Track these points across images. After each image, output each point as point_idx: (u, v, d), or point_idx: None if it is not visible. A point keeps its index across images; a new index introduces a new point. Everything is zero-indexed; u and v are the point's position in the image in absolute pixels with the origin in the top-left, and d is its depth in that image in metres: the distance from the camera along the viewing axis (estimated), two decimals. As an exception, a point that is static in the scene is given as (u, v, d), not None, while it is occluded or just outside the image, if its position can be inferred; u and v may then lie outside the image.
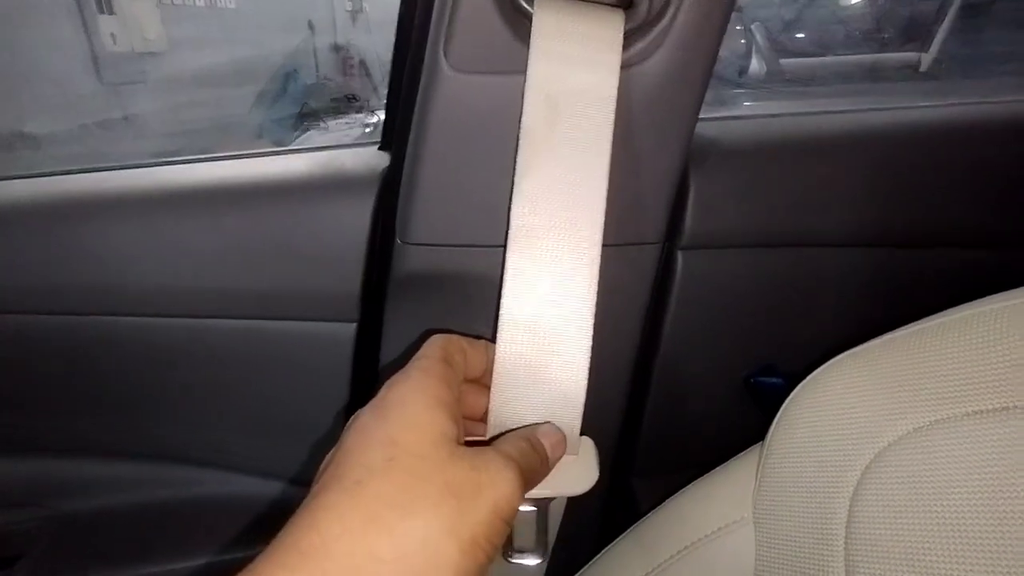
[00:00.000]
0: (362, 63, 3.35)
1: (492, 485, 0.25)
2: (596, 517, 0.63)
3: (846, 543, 0.31)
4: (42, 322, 0.53)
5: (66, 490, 0.60)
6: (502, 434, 0.32)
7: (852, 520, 0.31)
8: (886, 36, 1.95)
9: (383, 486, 0.24)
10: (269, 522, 0.62)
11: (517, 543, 0.37)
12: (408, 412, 0.26)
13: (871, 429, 0.31)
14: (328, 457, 0.26)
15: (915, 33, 1.80)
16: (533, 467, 0.29)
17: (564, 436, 0.33)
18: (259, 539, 0.61)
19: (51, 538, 0.59)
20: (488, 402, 0.33)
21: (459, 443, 0.26)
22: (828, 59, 1.89)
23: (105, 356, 0.56)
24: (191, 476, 0.62)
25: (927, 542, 0.28)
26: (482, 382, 0.33)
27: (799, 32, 2.00)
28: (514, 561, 0.38)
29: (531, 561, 0.38)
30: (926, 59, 1.76)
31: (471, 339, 0.33)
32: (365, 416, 0.26)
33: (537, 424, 0.33)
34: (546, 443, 0.31)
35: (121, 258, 0.52)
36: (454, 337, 0.32)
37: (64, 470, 0.59)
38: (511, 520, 0.26)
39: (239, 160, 0.58)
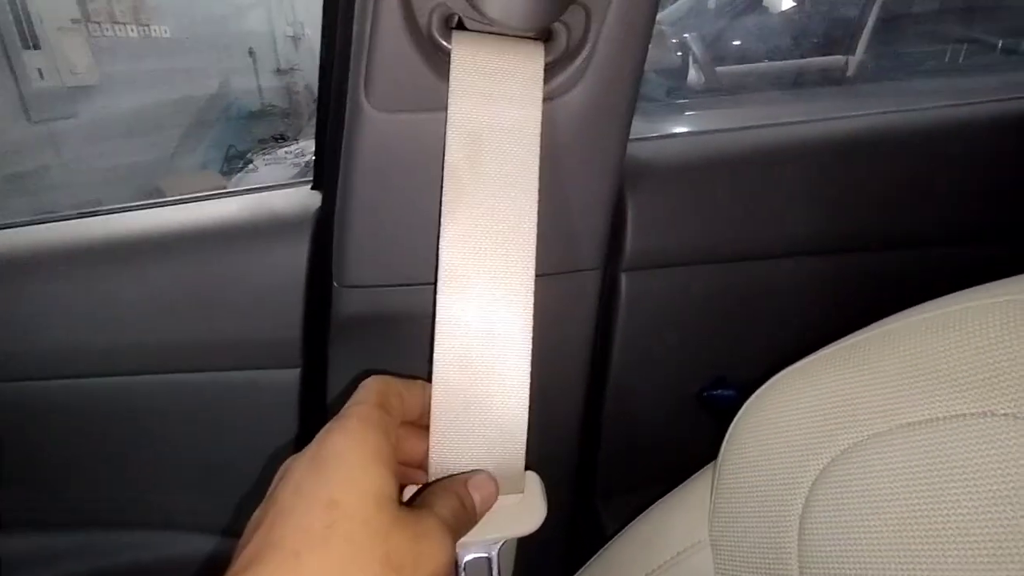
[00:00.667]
0: (307, 88, 3.31)
1: (431, 556, 0.25)
2: (562, 540, 0.63)
3: (799, 559, 0.31)
4: None
5: (9, 565, 0.56)
6: (438, 481, 0.31)
7: (803, 537, 0.31)
8: (815, 41, 2.03)
9: (323, 559, 0.22)
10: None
11: None
12: (346, 468, 0.25)
13: (814, 445, 0.31)
14: (259, 514, 0.25)
15: (841, 38, 1.89)
16: (463, 524, 0.29)
17: (496, 487, 0.32)
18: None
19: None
20: (426, 446, 0.32)
21: (399, 501, 0.25)
22: (762, 65, 1.96)
23: (32, 422, 0.53)
24: (138, 540, 0.59)
25: (872, 556, 0.28)
26: (419, 423, 0.32)
27: (734, 40, 2.07)
28: None
29: None
30: (852, 62, 1.84)
31: (407, 380, 0.32)
32: (301, 471, 0.25)
33: (471, 473, 0.32)
34: (477, 497, 0.31)
35: (42, 317, 0.49)
36: (390, 379, 0.30)
37: (17, 545, 0.56)
38: None
39: (167, 207, 0.55)
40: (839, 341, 0.34)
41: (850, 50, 1.82)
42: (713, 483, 0.38)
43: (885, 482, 0.28)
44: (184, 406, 0.53)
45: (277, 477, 0.26)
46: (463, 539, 0.33)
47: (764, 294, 0.58)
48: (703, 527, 0.38)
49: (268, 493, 0.25)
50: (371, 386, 0.29)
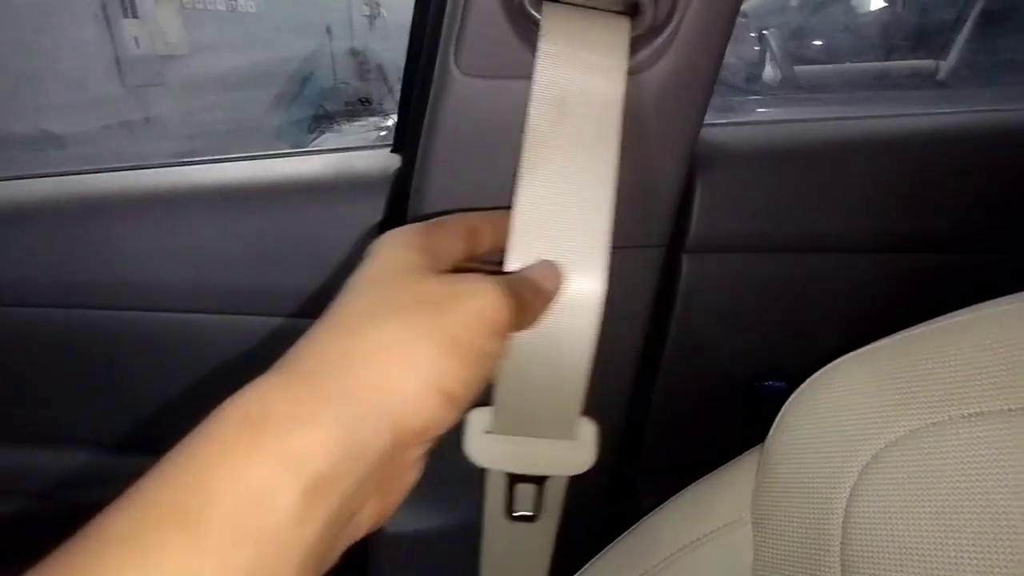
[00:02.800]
0: (379, 67, 3.39)
1: (472, 293, 0.24)
2: (600, 517, 0.64)
3: (842, 544, 0.31)
4: (60, 316, 0.55)
5: (74, 481, 0.61)
6: None
7: (848, 522, 0.31)
8: (902, 43, 1.93)
9: (355, 308, 0.24)
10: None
11: (518, 508, 0.40)
12: (380, 255, 0.26)
13: (868, 431, 0.32)
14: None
15: (931, 41, 1.79)
16: (523, 292, 0.28)
17: (557, 270, 0.32)
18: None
19: (66, 528, 0.61)
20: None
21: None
22: (844, 66, 1.88)
23: (119, 351, 0.57)
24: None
25: (921, 544, 0.28)
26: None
27: (815, 39, 1.99)
28: (517, 521, 0.40)
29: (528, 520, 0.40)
30: (944, 67, 1.75)
31: (476, 216, 0.33)
32: (351, 276, 0.26)
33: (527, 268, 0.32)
34: (536, 273, 0.30)
35: (139, 255, 0.53)
36: (461, 214, 0.32)
37: (73, 461, 0.61)
38: (499, 329, 0.25)
39: (254, 161, 0.59)
40: (901, 332, 0.33)
41: (942, 53, 1.73)
42: (759, 464, 0.38)
43: (940, 472, 0.28)
44: (256, 347, 0.57)
45: None
46: (511, 468, 0.36)
47: (825, 288, 0.57)
48: (745, 506, 0.38)
49: None
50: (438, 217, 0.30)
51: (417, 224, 0.29)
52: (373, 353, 0.22)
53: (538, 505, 0.39)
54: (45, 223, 0.53)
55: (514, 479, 0.41)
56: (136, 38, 2.65)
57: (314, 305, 0.54)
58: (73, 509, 0.63)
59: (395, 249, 0.26)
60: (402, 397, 0.22)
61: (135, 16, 2.62)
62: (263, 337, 0.56)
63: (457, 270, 0.28)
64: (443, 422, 0.23)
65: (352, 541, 0.23)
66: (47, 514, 0.61)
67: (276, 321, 0.55)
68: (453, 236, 0.30)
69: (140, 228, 0.53)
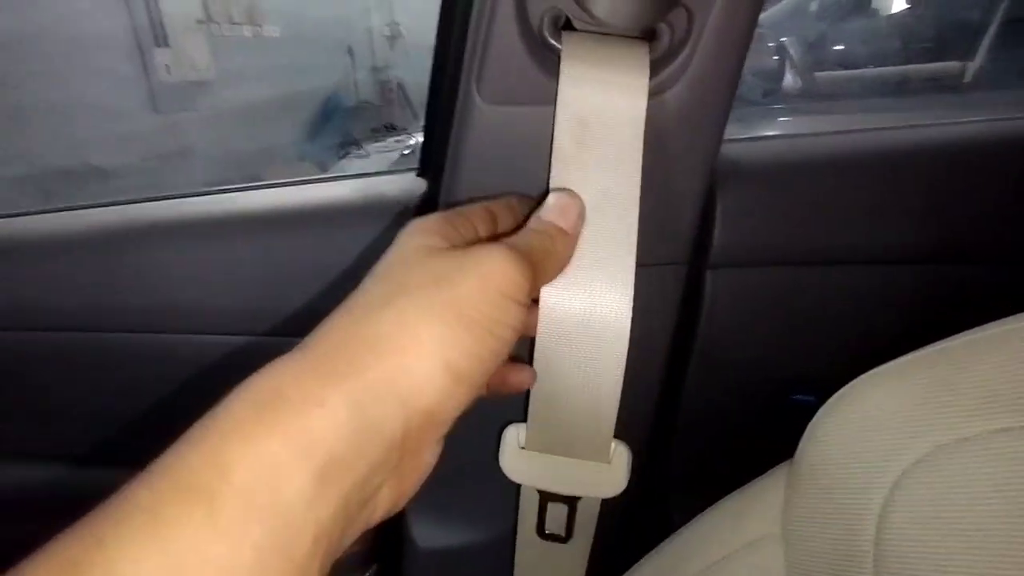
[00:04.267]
0: (400, 86, 3.45)
1: (477, 263, 0.24)
2: (630, 534, 0.64)
3: (875, 560, 0.31)
4: (101, 340, 0.57)
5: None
6: None
7: (880, 537, 0.31)
8: (926, 46, 1.91)
9: (372, 291, 0.25)
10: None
11: (549, 528, 0.40)
12: (400, 241, 0.27)
13: (899, 445, 0.32)
14: None
15: (957, 43, 1.76)
16: (535, 245, 0.28)
17: (572, 198, 0.32)
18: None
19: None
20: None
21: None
22: (865, 71, 1.86)
23: (160, 372, 0.59)
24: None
25: (954, 559, 0.28)
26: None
27: (835, 45, 1.97)
28: (548, 539, 0.40)
29: (560, 540, 0.40)
30: (971, 69, 1.72)
31: (496, 204, 0.33)
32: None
33: (541, 208, 0.32)
34: (552, 217, 0.30)
35: (175, 280, 0.55)
36: (485, 202, 0.33)
37: (122, 481, 0.63)
38: (508, 293, 0.25)
39: (284, 188, 0.61)
40: (929, 346, 0.33)
41: (968, 55, 1.70)
42: (789, 478, 0.38)
43: (973, 486, 0.28)
44: None
45: None
46: (545, 487, 0.36)
47: (850, 301, 0.57)
48: (775, 521, 0.38)
49: None
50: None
51: (440, 213, 0.29)
52: (384, 335, 0.22)
53: (569, 526, 0.40)
54: (86, 251, 0.56)
55: (545, 498, 0.41)
56: (168, 65, 2.74)
57: None
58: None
59: (414, 235, 0.27)
60: (412, 377, 0.22)
61: (166, 45, 2.72)
62: None
63: None
64: (455, 400, 0.23)
65: (368, 525, 0.24)
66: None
67: None
68: (473, 219, 0.30)
69: (176, 254, 0.55)
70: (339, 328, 0.23)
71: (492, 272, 0.24)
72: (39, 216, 0.59)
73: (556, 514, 0.42)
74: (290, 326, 0.56)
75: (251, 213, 0.57)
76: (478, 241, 0.29)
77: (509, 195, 0.35)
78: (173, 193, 0.62)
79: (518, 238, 0.28)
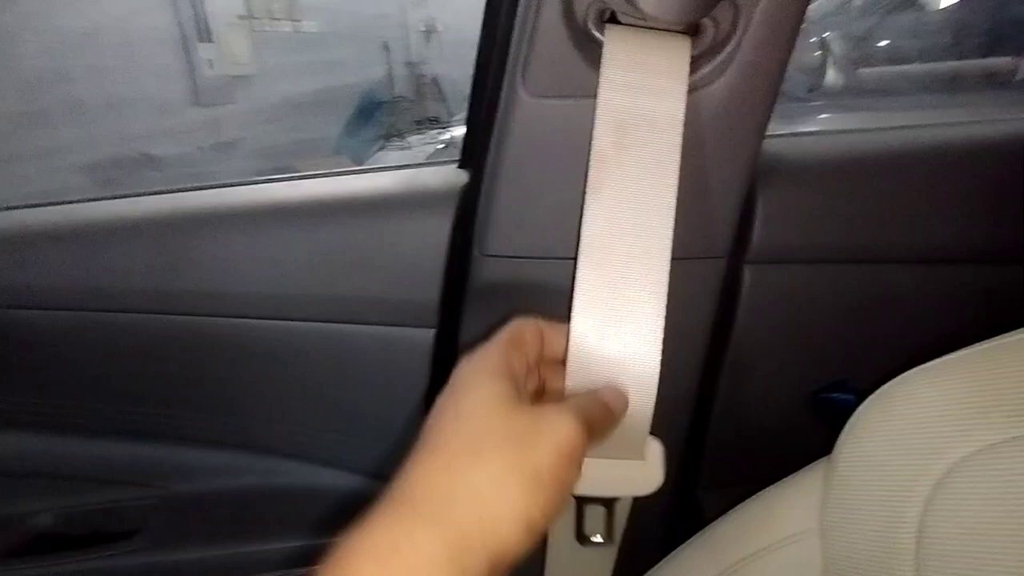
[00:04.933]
0: (434, 81, 3.48)
1: (551, 429, 0.28)
2: (661, 527, 0.64)
3: (916, 556, 0.31)
4: (157, 321, 0.60)
5: (175, 474, 0.66)
6: None
7: (923, 533, 0.31)
8: (978, 42, 1.84)
9: (454, 442, 0.28)
10: (346, 512, 0.66)
11: (588, 530, 0.41)
12: (470, 383, 0.30)
13: (943, 444, 0.31)
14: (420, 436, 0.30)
15: (1009, 39, 1.70)
16: (595, 416, 0.31)
17: (626, 396, 0.35)
18: (337, 526, 0.66)
19: (162, 515, 0.66)
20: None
21: (521, 401, 0.29)
22: (912, 67, 1.80)
23: (209, 354, 0.62)
24: (280, 467, 0.67)
25: (998, 557, 0.28)
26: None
27: (881, 40, 1.92)
28: (588, 545, 0.41)
29: (601, 545, 0.40)
30: (1024, 65, 1.65)
31: (552, 322, 0.36)
32: (442, 398, 0.30)
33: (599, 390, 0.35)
34: (608, 396, 0.34)
35: (223, 265, 0.57)
36: (529, 320, 0.35)
37: (174, 456, 0.66)
38: (575, 459, 0.28)
39: (329, 178, 0.63)
40: (974, 345, 0.33)
41: (1021, 51, 1.63)
42: (827, 474, 0.38)
43: (1021, 486, 0.28)
44: (330, 352, 0.60)
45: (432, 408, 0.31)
46: (582, 491, 0.37)
47: (890, 300, 0.56)
48: (813, 516, 0.38)
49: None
50: (511, 324, 0.34)
51: (494, 346, 0.32)
52: (474, 491, 0.26)
53: (608, 529, 0.40)
54: (144, 237, 0.59)
55: (581, 501, 0.41)
56: (210, 60, 2.82)
57: (388, 313, 0.57)
58: (169, 499, 0.68)
59: (482, 381, 0.30)
60: (499, 532, 0.26)
61: (209, 40, 2.79)
62: (340, 343, 0.59)
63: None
64: (526, 547, 0.27)
65: None
66: (146, 503, 0.67)
67: (351, 328, 0.59)
68: (526, 348, 0.34)
69: (226, 241, 0.58)
70: (436, 475, 0.27)
71: (565, 440, 0.28)
72: (99, 202, 0.62)
73: (593, 517, 0.42)
74: (334, 312, 0.58)
75: (297, 202, 0.59)
76: (534, 367, 0.34)
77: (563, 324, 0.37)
78: (222, 182, 0.64)
79: (581, 407, 0.31)
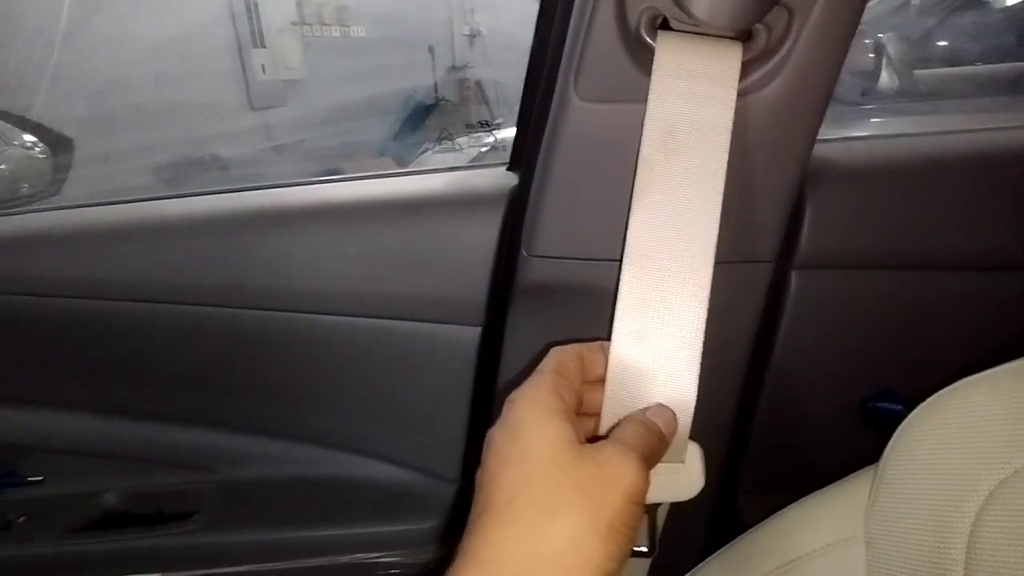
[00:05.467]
0: (478, 84, 3.52)
1: (618, 477, 0.29)
2: (701, 532, 0.64)
3: (966, 568, 0.31)
4: (218, 315, 0.63)
5: (231, 460, 0.70)
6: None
7: (973, 545, 0.31)
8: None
9: (530, 499, 0.28)
10: (390, 502, 0.68)
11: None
12: (530, 426, 0.31)
13: (997, 454, 0.31)
14: (478, 478, 0.31)
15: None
16: (651, 447, 0.32)
17: (674, 414, 0.35)
18: (383, 517, 0.68)
19: (219, 499, 0.69)
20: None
21: (580, 442, 0.30)
22: (969, 68, 1.73)
23: (265, 347, 0.65)
24: (329, 457, 0.70)
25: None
26: (604, 379, 0.36)
27: (940, 40, 1.85)
28: (631, 556, 0.40)
29: (644, 555, 0.40)
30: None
31: (588, 344, 0.36)
32: (498, 438, 0.31)
33: (647, 407, 0.35)
34: (659, 421, 0.34)
35: (282, 262, 0.60)
36: (569, 348, 0.36)
37: (231, 443, 0.69)
38: (641, 501, 0.29)
39: (382, 179, 0.65)
40: None
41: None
42: (874, 482, 0.38)
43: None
44: (380, 347, 0.62)
45: (484, 447, 0.32)
46: None
47: (940, 307, 0.55)
48: (858, 524, 0.38)
49: (481, 462, 0.32)
50: (552, 355, 0.35)
51: (543, 379, 0.33)
52: (558, 553, 0.27)
53: (652, 536, 0.40)
54: (208, 234, 0.62)
55: None
56: (263, 65, 2.92)
57: (436, 310, 0.59)
58: (226, 484, 0.72)
59: (540, 420, 0.31)
60: None
61: (263, 46, 2.89)
62: (390, 338, 0.61)
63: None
64: None
65: None
66: (204, 487, 0.70)
67: (400, 324, 0.61)
68: (571, 377, 0.34)
69: (284, 239, 0.60)
70: (517, 537, 0.28)
71: (631, 485, 0.29)
72: (167, 201, 0.66)
73: None
74: (384, 309, 0.60)
75: (350, 202, 0.61)
76: (581, 392, 0.35)
77: (596, 342, 0.37)
78: (282, 182, 0.67)
79: (639, 436, 0.32)
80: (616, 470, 0.29)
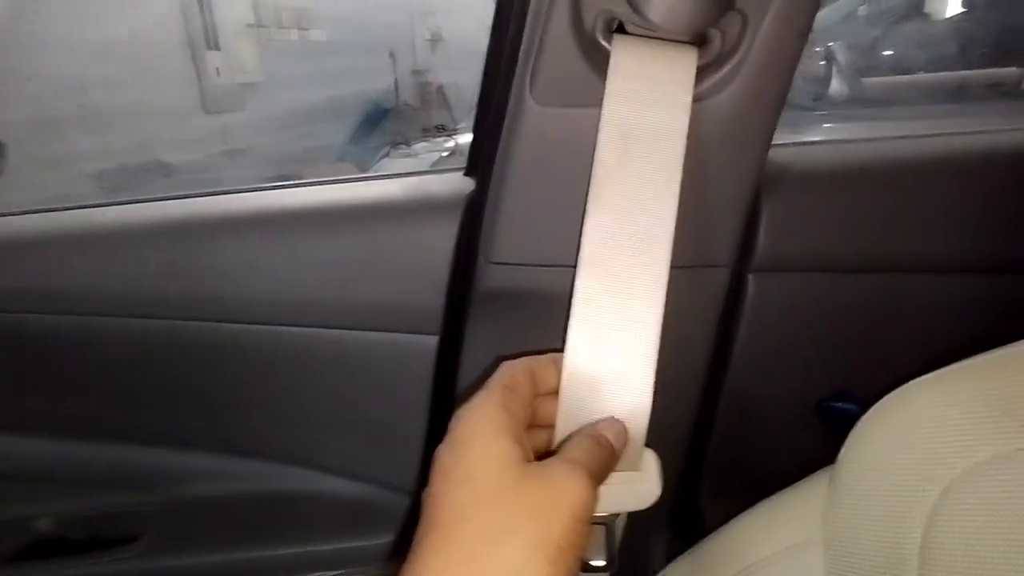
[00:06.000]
0: (440, 89, 3.50)
1: (564, 496, 0.28)
2: (662, 537, 0.64)
3: (920, 567, 0.31)
4: (163, 327, 0.60)
5: (177, 479, 0.67)
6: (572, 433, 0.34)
7: (927, 544, 0.31)
8: (984, 52, 1.84)
9: (472, 522, 0.27)
10: (348, 517, 0.66)
11: (587, 555, 0.39)
12: (476, 445, 0.29)
13: (949, 453, 0.31)
14: (424, 496, 0.30)
15: (1015, 49, 1.70)
16: (601, 461, 0.31)
17: (625, 426, 0.34)
18: (340, 533, 0.66)
19: (164, 521, 0.66)
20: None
21: (528, 459, 0.29)
22: (917, 77, 1.80)
23: (213, 359, 0.62)
24: (282, 472, 0.67)
25: (1004, 569, 0.28)
26: (556, 392, 0.35)
27: (886, 50, 1.92)
28: (590, 571, 0.39)
29: (602, 570, 0.39)
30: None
31: (539, 358, 0.35)
32: (443, 456, 0.30)
33: (598, 420, 0.34)
34: (610, 435, 0.33)
35: (231, 271, 0.58)
36: (519, 362, 0.35)
37: (177, 461, 0.66)
38: (588, 519, 0.28)
39: (336, 185, 0.63)
40: (980, 355, 0.33)
41: (1027, 62, 1.63)
42: (830, 484, 0.38)
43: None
44: (334, 358, 0.61)
45: (432, 465, 0.31)
46: None
47: (893, 309, 0.56)
48: (816, 526, 0.38)
49: (428, 481, 0.30)
50: (501, 370, 0.34)
51: (491, 395, 0.32)
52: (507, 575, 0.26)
53: (611, 549, 0.39)
54: (154, 242, 0.59)
55: None
56: (218, 68, 2.84)
57: (392, 319, 0.58)
58: (172, 504, 0.68)
59: (486, 438, 0.30)
60: None
61: (217, 48, 2.82)
62: (344, 349, 0.60)
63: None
64: None
65: None
66: (148, 508, 0.67)
67: (355, 334, 0.59)
68: (522, 392, 0.33)
69: (234, 247, 0.58)
70: (458, 567, 0.27)
71: (579, 507, 0.28)
72: (109, 208, 0.63)
73: (592, 540, 0.40)
74: (338, 318, 0.58)
75: (303, 209, 0.59)
76: (531, 405, 0.34)
77: (548, 354, 0.36)
78: (231, 188, 0.65)
79: (587, 451, 0.31)
80: (563, 489, 0.28)
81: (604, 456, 0.32)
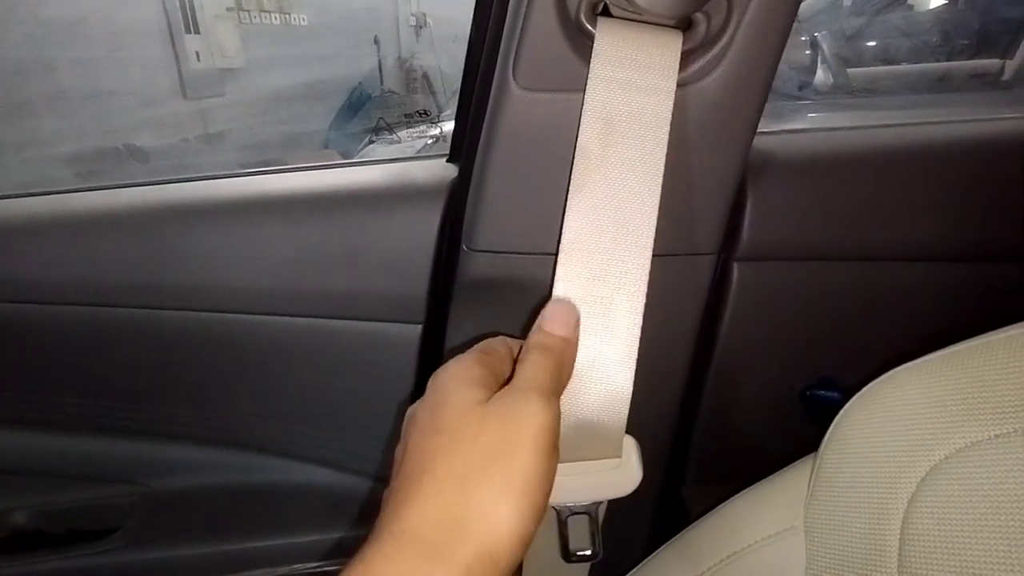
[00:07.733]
0: (424, 76, 3.46)
1: (524, 428, 0.28)
2: (646, 525, 0.64)
3: (900, 554, 0.31)
4: (138, 316, 0.59)
5: (156, 470, 0.65)
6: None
7: (906, 531, 0.31)
8: (966, 43, 1.86)
9: (441, 469, 0.27)
10: (331, 508, 0.66)
11: (574, 546, 0.39)
12: (446, 397, 0.30)
13: (928, 441, 0.31)
14: (398, 452, 0.30)
15: (997, 40, 1.71)
16: (556, 366, 0.32)
17: (569, 306, 0.34)
18: (324, 524, 0.65)
19: (143, 513, 0.65)
20: None
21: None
22: (900, 67, 1.81)
23: (192, 349, 0.61)
24: (264, 463, 0.67)
25: (982, 556, 0.28)
26: None
27: (870, 40, 1.93)
28: (574, 562, 0.39)
29: (588, 559, 0.39)
30: (1010, 67, 1.67)
31: (519, 340, 0.35)
32: (417, 411, 0.30)
33: (543, 314, 0.34)
34: (555, 329, 0.33)
35: (209, 259, 0.57)
36: (498, 337, 0.35)
37: (155, 452, 0.65)
38: (553, 447, 0.28)
39: (317, 171, 0.62)
40: (961, 343, 0.33)
41: (1008, 52, 1.65)
42: (812, 472, 0.38)
43: (1004, 484, 0.28)
44: (316, 347, 0.60)
45: (404, 422, 0.31)
46: (562, 500, 0.36)
47: (878, 297, 0.57)
48: (798, 513, 0.38)
49: (400, 438, 0.31)
50: (482, 342, 0.34)
51: (469, 355, 0.32)
52: (475, 517, 0.26)
53: (595, 537, 0.39)
54: (128, 229, 0.57)
55: (563, 513, 0.39)
56: (197, 52, 2.78)
57: (375, 308, 0.57)
58: (151, 496, 0.67)
59: (456, 388, 0.30)
60: (501, 548, 0.26)
61: (196, 32, 2.75)
62: (326, 338, 0.59)
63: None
64: (524, 552, 0.27)
65: None
66: (126, 501, 0.66)
67: (337, 323, 0.58)
68: (502, 361, 0.33)
69: (211, 234, 0.57)
70: (431, 507, 0.27)
71: (541, 435, 0.28)
72: (81, 194, 0.61)
73: (576, 530, 0.40)
74: (320, 307, 0.57)
75: (284, 195, 0.58)
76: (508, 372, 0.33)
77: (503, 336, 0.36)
78: (209, 174, 0.63)
79: (539, 371, 0.31)
80: (521, 422, 0.28)
81: (557, 358, 0.32)
